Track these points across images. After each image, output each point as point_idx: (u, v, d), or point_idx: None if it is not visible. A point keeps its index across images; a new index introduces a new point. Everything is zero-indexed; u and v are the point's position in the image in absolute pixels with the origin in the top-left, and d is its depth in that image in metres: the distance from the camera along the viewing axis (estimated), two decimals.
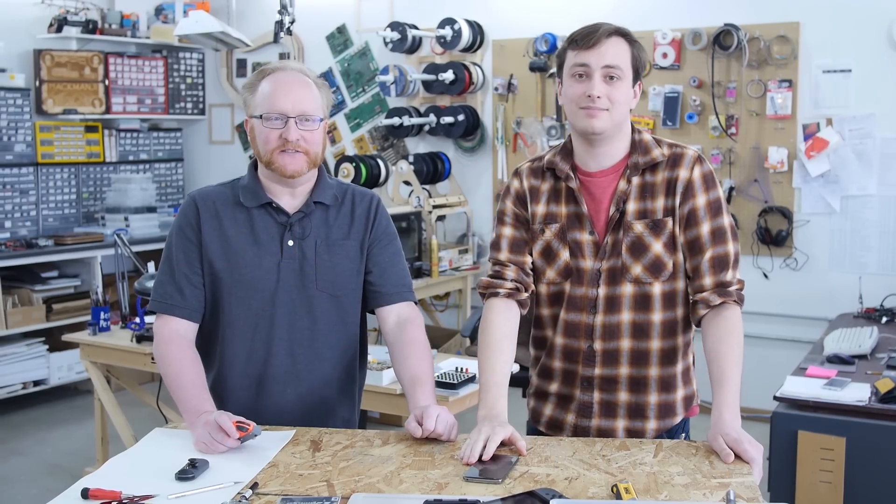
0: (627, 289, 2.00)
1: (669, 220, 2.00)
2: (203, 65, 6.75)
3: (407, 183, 5.45)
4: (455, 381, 3.12)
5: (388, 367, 3.09)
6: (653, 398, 2.03)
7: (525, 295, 2.07)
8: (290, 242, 2.08)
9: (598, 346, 2.02)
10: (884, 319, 4.23)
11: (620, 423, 2.04)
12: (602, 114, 1.95)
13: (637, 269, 2.00)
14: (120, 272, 4.10)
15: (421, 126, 5.71)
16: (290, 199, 2.10)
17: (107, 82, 6.15)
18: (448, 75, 5.52)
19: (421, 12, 5.76)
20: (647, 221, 2.00)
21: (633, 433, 2.03)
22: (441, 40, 5.56)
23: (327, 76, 6.13)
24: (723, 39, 4.89)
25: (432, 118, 5.62)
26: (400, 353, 2.08)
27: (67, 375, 5.54)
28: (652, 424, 2.04)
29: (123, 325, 4.06)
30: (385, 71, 5.64)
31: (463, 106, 5.63)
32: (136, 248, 4.60)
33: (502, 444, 1.79)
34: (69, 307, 5.55)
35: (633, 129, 2.06)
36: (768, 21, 4.83)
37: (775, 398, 3.04)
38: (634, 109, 2.09)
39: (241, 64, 6.58)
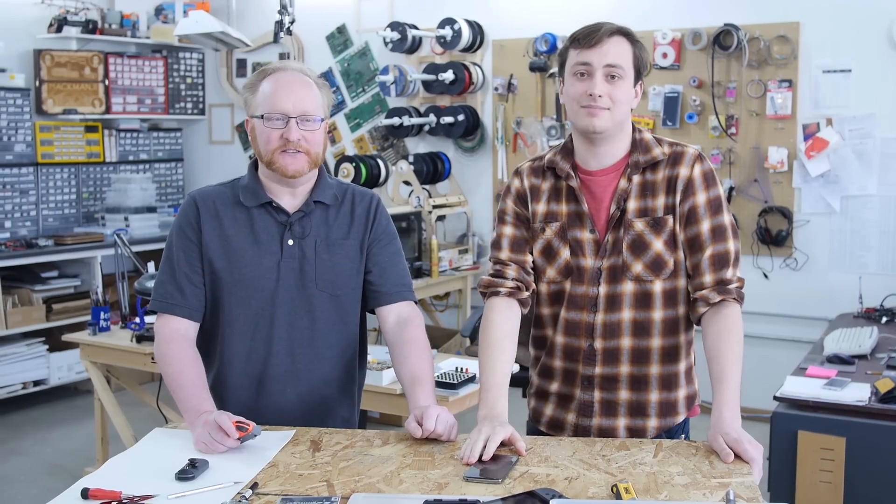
0: (628, 287, 2.00)
1: (670, 218, 2.00)
2: (203, 65, 6.75)
3: (407, 183, 5.46)
4: (455, 381, 3.12)
5: (388, 367, 3.09)
6: (654, 396, 2.03)
7: (526, 294, 2.07)
8: (290, 242, 2.08)
9: (598, 344, 2.02)
10: (884, 319, 4.23)
11: (621, 422, 2.04)
12: (603, 113, 1.95)
13: (638, 268, 2.00)
14: (120, 272, 4.10)
15: (421, 126, 5.71)
16: (290, 199, 2.10)
17: (107, 82, 6.15)
18: (448, 75, 5.52)
19: (421, 12, 5.76)
20: (648, 219, 2.00)
21: (634, 431, 2.03)
22: (441, 40, 5.56)
23: (327, 76, 6.13)
24: (723, 39, 4.89)
25: (432, 118, 5.62)
26: (400, 353, 2.08)
27: (67, 375, 5.54)
28: (653, 423, 2.04)
29: (123, 325, 4.06)
30: (385, 71, 5.64)
31: (463, 106, 5.63)
32: (136, 248, 4.60)
33: (502, 444, 1.79)
34: (69, 307, 5.55)
35: (634, 129, 2.06)
36: (768, 21, 4.83)
37: (775, 398, 3.04)
38: (635, 109, 2.09)
39: (241, 64, 6.58)
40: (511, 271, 2.07)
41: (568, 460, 1.76)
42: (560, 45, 5.29)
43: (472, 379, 3.14)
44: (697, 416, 2.13)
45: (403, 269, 2.19)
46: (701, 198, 2.00)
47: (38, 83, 5.80)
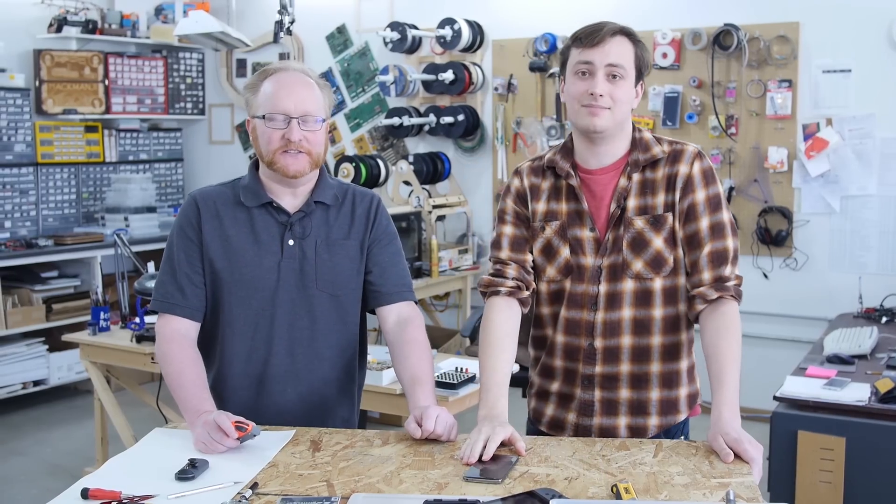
0: (628, 285, 2.00)
1: (669, 216, 2.00)
2: (203, 65, 6.75)
3: (407, 183, 5.46)
4: (455, 381, 3.12)
5: (388, 367, 3.09)
6: (654, 394, 2.03)
7: (526, 293, 2.07)
8: (291, 242, 2.08)
9: (598, 343, 2.02)
10: (884, 319, 4.23)
11: (622, 421, 2.04)
12: (604, 112, 1.95)
13: (638, 265, 2.00)
14: (120, 272, 4.10)
15: (421, 126, 5.71)
16: (291, 199, 2.10)
17: (107, 82, 6.15)
18: (448, 75, 5.52)
19: (421, 12, 5.76)
20: (648, 217, 2.00)
21: (635, 430, 2.03)
22: (441, 40, 5.56)
23: (327, 76, 6.13)
24: (723, 39, 4.89)
25: (432, 118, 5.62)
26: (400, 353, 2.08)
27: (67, 375, 5.54)
28: (654, 421, 2.04)
29: (123, 325, 4.06)
30: (385, 71, 5.64)
31: (463, 106, 5.63)
32: (135, 248, 4.60)
33: (502, 444, 1.79)
34: (69, 307, 5.55)
35: (634, 128, 2.06)
36: (768, 21, 4.83)
37: (775, 398, 3.04)
38: (635, 109, 2.09)
39: (241, 64, 6.58)
40: (511, 271, 2.07)
41: (568, 460, 1.76)
42: (560, 46, 5.29)
43: (471, 379, 3.14)
44: (698, 416, 2.13)
45: (404, 269, 2.19)
46: (700, 195, 2.00)
47: (37, 83, 5.80)
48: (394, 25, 5.61)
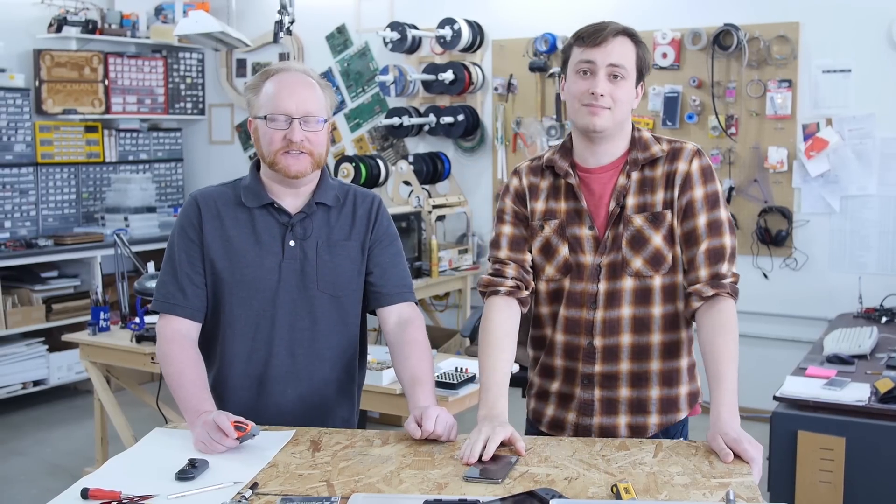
0: (628, 283, 2.00)
1: (668, 213, 2.00)
2: (203, 65, 6.75)
3: (407, 183, 5.46)
4: (455, 381, 3.12)
5: (388, 367, 3.09)
6: (654, 393, 2.03)
7: (525, 293, 2.07)
8: (292, 243, 2.08)
9: (598, 342, 2.02)
10: (883, 319, 4.23)
11: (622, 420, 2.04)
12: (604, 112, 1.96)
13: (637, 263, 2.00)
14: (120, 272, 4.10)
15: (421, 126, 5.71)
16: (292, 200, 2.10)
17: (106, 82, 6.15)
18: (448, 75, 5.52)
19: (421, 12, 5.76)
20: (647, 214, 2.00)
21: (635, 429, 2.03)
22: (441, 40, 5.56)
23: (327, 76, 6.13)
24: (722, 39, 4.90)
25: (432, 118, 5.62)
26: (400, 353, 2.08)
27: (67, 375, 5.54)
28: (654, 419, 2.04)
29: (123, 325, 4.06)
30: (385, 71, 5.64)
31: (463, 106, 5.63)
32: (135, 248, 4.60)
33: (502, 444, 1.79)
34: (69, 307, 5.55)
35: (633, 127, 2.07)
36: (768, 21, 4.83)
37: (775, 398, 3.04)
38: (635, 109, 2.09)
39: (241, 64, 6.59)
40: (510, 270, 2.07)
41: (568, 460, 1.76)
42: (560, 46, 5.29)
43: (471, 379, 3.14)
44: (697, 416, 2.13)
45: (404, 270, 2.19)
46: (698, 192, 2.00)
47: (37, 83, 5.80)
48: (394, 25, 5.61)
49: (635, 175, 2.02)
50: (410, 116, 5.61)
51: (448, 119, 5.57)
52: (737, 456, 1.73)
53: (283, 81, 2.03)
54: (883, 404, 2.89)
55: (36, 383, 5.42)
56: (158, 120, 6.63)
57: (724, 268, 1.97)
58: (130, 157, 6.40)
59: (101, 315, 4.03)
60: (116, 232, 4.31)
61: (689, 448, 1.81)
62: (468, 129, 5.63)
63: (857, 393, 2.99)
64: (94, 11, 6.09)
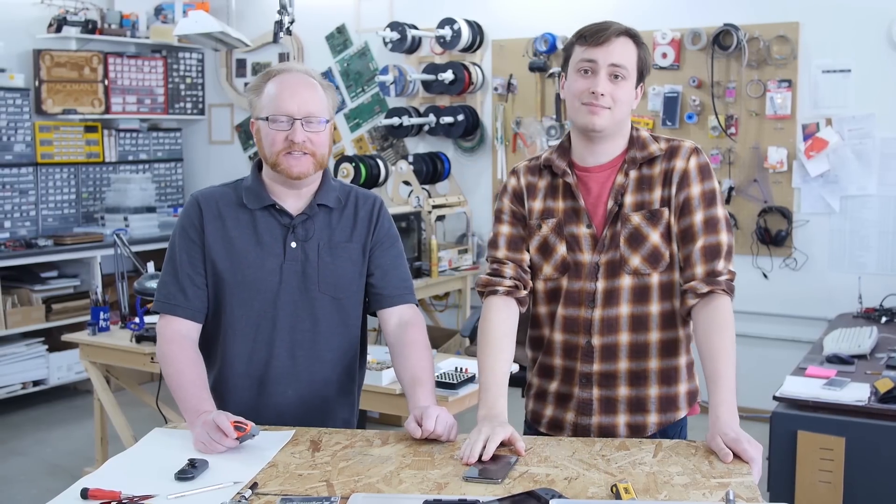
0: (626, 281, 2.00)
1: (666, 210, 2.00)
2: (202, 65, 6.75)
3: (406, 183, 5.46)
4: (455, 381, 3.12)
5: (388, 367, 3.10)
6: (653, 391, 2.03)
7: (524, 292, 2.07)
8: (293, 244, 2.08)
9: (596, 341, 2.02)
10: (883, 319, 4.23)
11: (621, 419, 2.03)
12: (604, 112, 1.96)
13: (636, 261, 2.00)
14: (119, 272, 4.10)
15: (420, 126, 5.71)
16: (294, 201, 2.10)
17: (106, 82, 6.15)
18: (448, 75, 5.52)
19: (421, 12, 5.76)
20: (645, 212, 2.00)
21: (634, 428, 2.03)
22: (441, 40, 5.56)
23: (327, 76, 6.12)
24: (722, 39, 4.90)
25: (432, 118, 5.62)
26: (400, 354, 2.08)
27: (67, 375, 5.54)
28: (653, 418, 2.03)
29: (123, 325, 4.06)
30: (385, 71, 5.64)
31: (462, 106, 5.64)
32: (135, 248, 4.60)
33: (502, 444, 1.79)
34: (69, 307, 5.55)
35: (632, 126, 2.07)
36: (768, 21, 4.83)
37: (775, 398, 3.04)
38: (634, 110, 2.09)
39: (241, 64, 6.58)
40: (508, 270, 2.07)
41: (567, 460, 1.76)
42: (560, 46, 5.29)
43: (471, 379, 3.14)
44: (696, 416, 2.13)
45: (405, 271, 2.19)
46: (695, 189, 1.99)
47: (37, 83, 5.80)
48: (393, 25, 5.61)
49: (633, 173, 2.02)
50: (410, 116, 5.61)
51: (448, 119, 5.57)
52: (736, 456, 1.73)
53: (284, 82, 2.03)
54: (883, 404, 2.89)
55: (36, 383, 5.42)
56: (158, 120, 6.63)
57: (721, 265, 1.97)
58: (130, 157, 6.40)
59: (101, 315, 4.03)
60: (116, 232, 4.31)
61: (688, 448, 1.81)
62: (468, 129, 5.63)
63: (856, 393, 2.99)
64: (94, 11, 6.09)
